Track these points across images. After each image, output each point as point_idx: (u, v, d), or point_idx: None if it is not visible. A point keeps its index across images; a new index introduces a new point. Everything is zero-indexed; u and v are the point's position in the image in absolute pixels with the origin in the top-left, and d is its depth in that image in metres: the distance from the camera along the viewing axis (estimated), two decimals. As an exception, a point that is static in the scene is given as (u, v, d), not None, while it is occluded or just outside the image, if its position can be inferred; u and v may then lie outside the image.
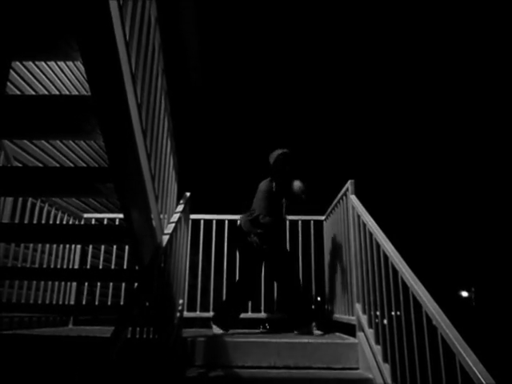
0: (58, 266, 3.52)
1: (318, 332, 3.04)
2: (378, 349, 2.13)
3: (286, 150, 3.34)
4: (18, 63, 3.39)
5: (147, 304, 1.88)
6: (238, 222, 3.39)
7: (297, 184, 3.26)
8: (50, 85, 3.92)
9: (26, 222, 3.04)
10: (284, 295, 3.28)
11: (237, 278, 3.38)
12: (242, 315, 3.52)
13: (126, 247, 3.92)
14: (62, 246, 3.63)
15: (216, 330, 3.04)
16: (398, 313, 1.91)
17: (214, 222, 3.68)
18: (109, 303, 3.85)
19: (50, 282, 3.46)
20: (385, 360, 2.02)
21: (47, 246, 3.42)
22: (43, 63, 3.79)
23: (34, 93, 3.59)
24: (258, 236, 3.12)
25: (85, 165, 4.66)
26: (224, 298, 3.33)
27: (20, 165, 3.34)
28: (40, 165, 3.70)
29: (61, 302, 3.58)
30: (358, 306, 2.53)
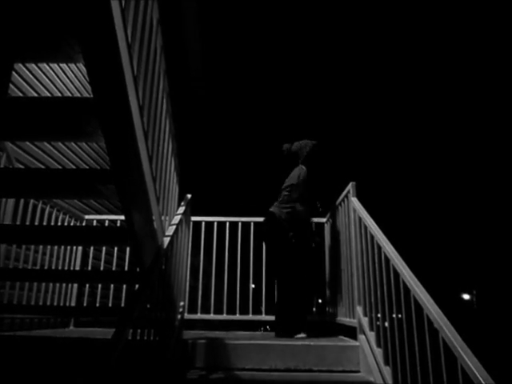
0: (60, 268, 3.52)
1: (301, 335, 2.94)
2: (379, 351, 2.12)
3: (315, 141, 3.43)
4: (20, 65, 3.40)
5: (148, 306, 1.88)
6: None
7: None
8: (52, 87, 3.93)
9: (27, 223, 3.04)
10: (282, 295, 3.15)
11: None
12: (243, 317, 3.52)
13: (127, 249, 3.92)
14: (63, 247, 3.63)
15: (301, 335, 2.94)
16: (400, 315, 1.91)
17: (215, 223, 3.68)
18: (110, 305, 3.85)
19: (51, 284, 3.46)
20: (386, 363, 2.02)
21: (48, 247, 3.42)
22: (45, 65, 3.80)
23: (36, 95, 3.60)
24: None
25: (86, 166, 4.67)
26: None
27: (22, 166, 3.35)
28: (42, 166, 3.71)
29: (62, 304, 3.58)
30: (359, 309, 2.53)
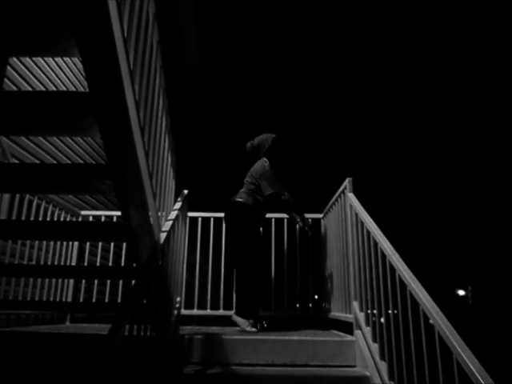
0: (56, 263, 3.51)
1: (253, 329, 2.92)
2: (375, 347, 2.14)
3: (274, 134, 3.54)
4: (15, 59, 3.37)
5: (145, 301, 1.88)
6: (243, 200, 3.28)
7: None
8: (48, 81, 3.90)
9: (23, 218, 3.02)
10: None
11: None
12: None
13: (124, 244, 3.92)
14: (59, 243, 3.62)
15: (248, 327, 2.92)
16: (396, 311, 1.92)
17: (212, 219, 3.68)
18: (106, 301, 3.84)
19: (47, 280, 3.45)
20: (382, 358, 2.03)
21: (44, 243, 3.41)
22: (40, 59, 3.76)
23: (31, 89, 3.57)
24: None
25: (82, 161, 4.65)
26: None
27: (17, 161, 3.32)
28: (37, 161, 3.69)
29: (58, 300, 3.57)
30: (356, 304, 2.54)
